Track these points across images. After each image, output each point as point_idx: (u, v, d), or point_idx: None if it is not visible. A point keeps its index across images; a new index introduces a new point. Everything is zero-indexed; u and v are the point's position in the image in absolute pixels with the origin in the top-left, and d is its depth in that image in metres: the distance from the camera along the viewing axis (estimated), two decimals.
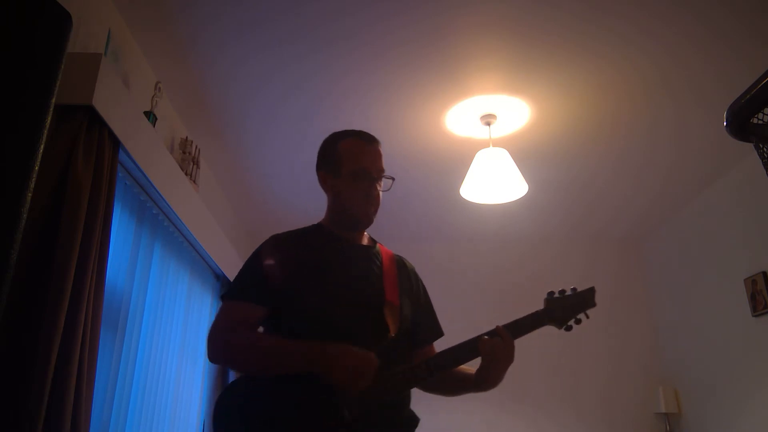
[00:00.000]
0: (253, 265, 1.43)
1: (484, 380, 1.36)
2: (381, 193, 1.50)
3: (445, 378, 1.41)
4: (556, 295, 1.42)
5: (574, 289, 1.42)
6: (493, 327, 1.36)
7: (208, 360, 1.37)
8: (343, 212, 1.49)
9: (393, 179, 1.51)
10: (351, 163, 1.46)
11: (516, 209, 3.66)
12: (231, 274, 3.10)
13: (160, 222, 2.37)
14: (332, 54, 2.32)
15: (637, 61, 2.36)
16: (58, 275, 1.40)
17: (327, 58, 2.35)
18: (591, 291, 1.42)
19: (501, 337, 1.33)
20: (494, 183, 2.66)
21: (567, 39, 2.24)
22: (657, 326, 4.10)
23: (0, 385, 1.28)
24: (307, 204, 3.67)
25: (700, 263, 3.59)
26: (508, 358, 1.33)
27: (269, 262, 1.40)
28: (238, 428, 1.28)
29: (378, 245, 1.56)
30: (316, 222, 1.57)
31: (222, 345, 1.35)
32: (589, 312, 1.42)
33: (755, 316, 3.03)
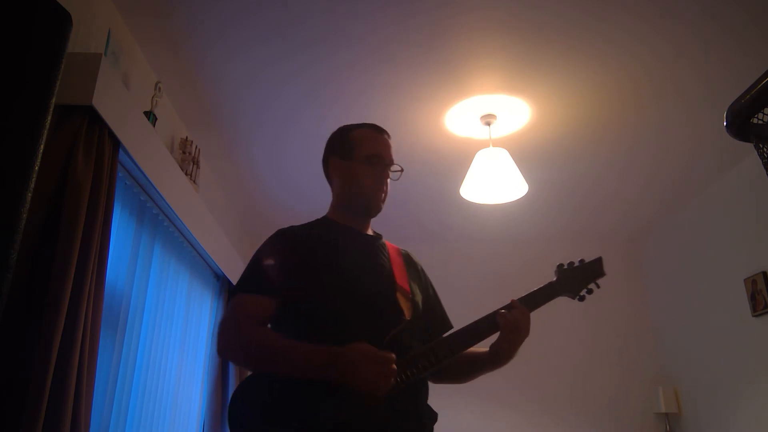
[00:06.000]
0: (262, 259, 1.40)
1: (502, 353, 1.38)
2: (389, 183, 1.53)
3: (457, 361, 1.40)
4: (565, 266, 1.48)
5: (582, 261, 1.49)
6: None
7: (217, 354, 1.34)
8: (352, 197, 1.49)
9: (402, 170, 1.54)
10: (365, 148, 1.49)
11: (516, 209, 3.66)
12: (231, 274, 3.10)
13: (160, 222, 2.37)
14: (332, 54, 2.32)
15: (638, 60, 2.36)
16: (58, 275, 1.40)
17: (327, 59, 2.35)
18: (599, 261, 1.49)
19: (518, 309, 1.38)
20: (494, 183, 2.65)
21: (568, 38, 2.23)
22: (657, 326, 4.09)
23: (0, 385, 1.28)
24: (307, 204, 3.67)
25: (700, 263, 3.59)
26: (526, 329, 1.38)
27: (278, 254, 1.39)
28: (255, 423, 1.26)
29: (383, 238, 1.57)
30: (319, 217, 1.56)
31: (235, 341, 1.31)
32: (599, 282, 1.47)
33: (755, 316, 3.03)
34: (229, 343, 1.32)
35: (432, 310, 1.55)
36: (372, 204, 1.48)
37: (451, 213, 3.82)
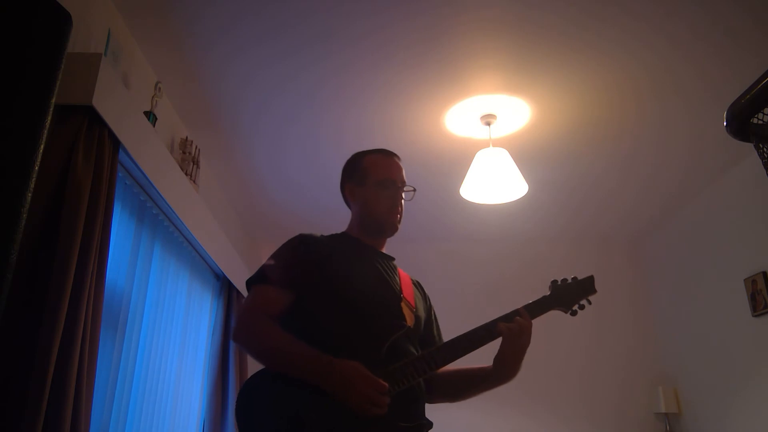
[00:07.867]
0: (282, 254, 1.49)
1: (504, 366, 1.43)
2: (404, 202, 1.61)
3: (455, 378, 1.49)
4: (559, 282, 1.55)
5: (575, 278, 1.56)
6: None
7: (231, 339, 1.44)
8: (369, 220, 1.58)
9: (414, 190, 1.62)
10: (377, 174, 1.58)
11: (516, 209, 3.66)
12: (231, 274, 3.10)
13: (160, 222, 2.37)
14: (332, 54, 2.32)
15: (638, 60, 2.36)
16: (58, 275, 1.40)
17: (327, 59, 2.35)
18: (591, 279, 1.57)
19: (524, 317, 1.43)
20: (494, 183, 2.65)
21: (568, 38, 2.23)
22: (657, 326, 4.09)
23: (0, 385, 1.28)
24: (307, 204, 3.67)
25: (700, 263, 3.59)
26: (528, 339, 1.42)
27: (297, 253, 1.47)
28: (264, 419, 1.28)
29: (395, 260, 1.65)
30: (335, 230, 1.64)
31: (246, 331, 1.40)
32: (591, 298, 1.55)
33: (755, 316, 3.03)
34: (241, 331, 1.42)
35: (431, 330, 1.63)
36: (386, 225, 1.57)
37: (451, 213, 3.82)
